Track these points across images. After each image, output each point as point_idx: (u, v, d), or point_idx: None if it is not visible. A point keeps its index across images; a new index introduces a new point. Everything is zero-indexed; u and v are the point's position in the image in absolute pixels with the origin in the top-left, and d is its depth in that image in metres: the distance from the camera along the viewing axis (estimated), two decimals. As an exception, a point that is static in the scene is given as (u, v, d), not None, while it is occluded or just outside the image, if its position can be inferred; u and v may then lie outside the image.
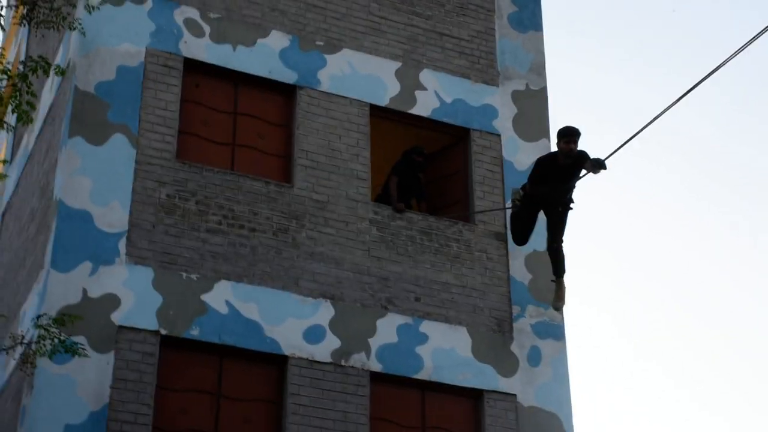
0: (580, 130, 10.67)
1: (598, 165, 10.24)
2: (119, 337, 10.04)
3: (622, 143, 9.97)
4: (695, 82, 8.92)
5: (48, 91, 12.38)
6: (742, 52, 8.40)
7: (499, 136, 12.57)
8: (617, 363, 30.09)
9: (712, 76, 8.76)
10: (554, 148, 10.96)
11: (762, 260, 29.97)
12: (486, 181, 12.35)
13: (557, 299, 11.38)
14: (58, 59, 12.00)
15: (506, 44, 13.08)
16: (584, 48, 30.91)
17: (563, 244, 10.96)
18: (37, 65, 10.15)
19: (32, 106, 10.28)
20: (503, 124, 12.65)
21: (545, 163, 10.78)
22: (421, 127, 12.53)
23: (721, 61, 8.67)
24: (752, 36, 8.23)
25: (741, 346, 30.00)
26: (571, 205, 10.95)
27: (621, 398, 29.61)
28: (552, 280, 11.41)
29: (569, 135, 10.57)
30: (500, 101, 12.73)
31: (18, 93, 10.03)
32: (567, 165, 10.65)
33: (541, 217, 11.18)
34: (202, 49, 11.58)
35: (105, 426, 9.63)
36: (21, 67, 10.16)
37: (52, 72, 10.79)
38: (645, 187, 30.72)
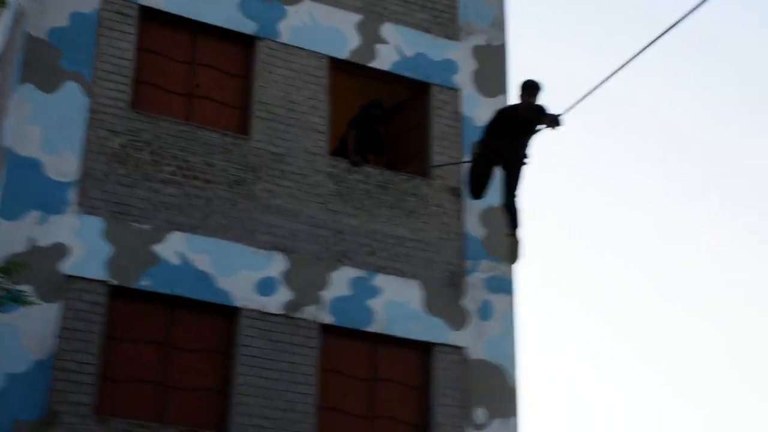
0: (543, 85, 10.48)
1: (555, 121, 10.10)
2: (67, 287, 9.95)
3: (579, 99, 9.84)
4: (649, 42, 8.78)
5: None
6: (697, 12, 8.23)
7: (458, 91, 12.41)
8: (565, 319, 30.24)
9: (673, 31, 8.60)
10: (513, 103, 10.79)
11: (714, 225, 30.01)
12: (444, 136, 12.22)
13: (512, 253, 11.27)
14: (8, 5, 11.74)
15: (468, -1, 12.85)
16: (546, 4, 30.54)
17: (516, 198, 10.80)
18: None
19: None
20: (463, 79, 12.47)
21: (505, 114, 10.58)
22: (380, 81, 12.35)
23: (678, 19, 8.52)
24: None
25: (686, 303, 30.16)
26: (526, 161, 10.80)
27: (568, 353, 29.81)
28: (506, 234, 11.30)
29: (531, 88, 10.37)
30: (461, 56, 12.54)
31: None
32: (526, 118, 10.46)
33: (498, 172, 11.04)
34: (159, -3, 11.33)
35: (50, 375, 9.57)
36: None
37: (2, 17, 10.55)
38: (601, 149, 30.57)
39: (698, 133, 30.02)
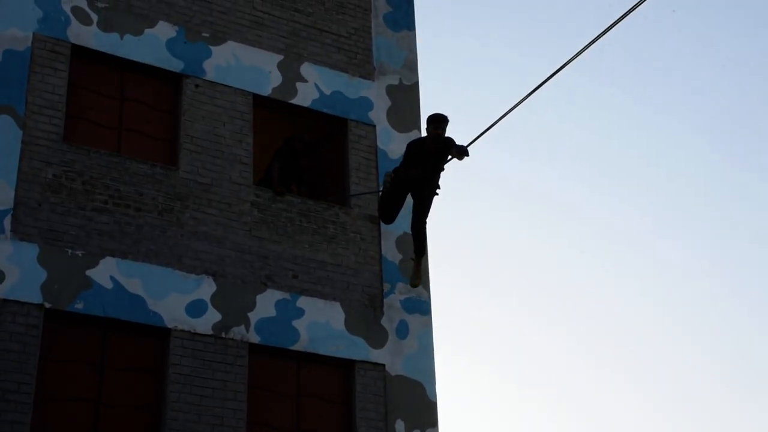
0: (448, 118, 10.83)
1: (462, 152, 10.46)
2: (2, 310, 9.80)
3: (482, 132, 10.27)
4: (550, 74, 9.24)
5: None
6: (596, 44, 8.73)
7: (374, 126, 12.72)
8: (480, 336, 30.74)
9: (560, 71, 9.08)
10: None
11: (627, 244, 30.97)
12: (361, 167, 12.48)
13: (415, 277, 11.47)
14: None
15: (382, 41, 13.23)
16: (455, 44, 31.43)
17: (425, 225, 11.11)
18: None
19: None
20: (378, 115, 12.80)
21: (415, 146, 10.91)
22: (301, 117, 12.58)
23: (571, 57, 8.99)
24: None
25: (594, 318, 30.94)
26: (437, 190, 11.12)
27: (483, 369, 30.29)
28: (411, 259, 11.55)
29: (437, 121, 10.71)
30: (375, 94, 12.87)
31: None
32: (435, 150, 10.77)
33: (409, 200, 11.34)
34: (90, 36, 11.38)
35: (-13, 394, 9.40)
36: None
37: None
38: (510, 172, 31.38)
39: (603, 156, 31.06)
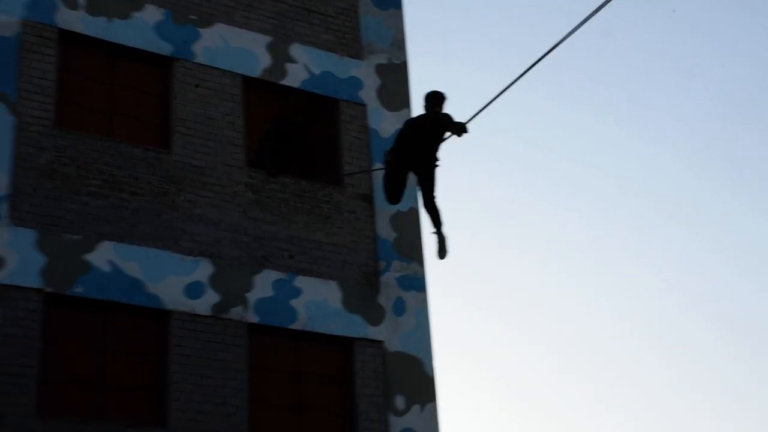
0: (446, 95, 10.67)
1: (461, 128, 10.27)
2: (3, 296, 9.61)
3: (482, 108, 10.10)
4: (547, 50, 9.13)
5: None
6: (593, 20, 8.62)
7: (364, 105, 12.57)
8: (477, 312, 30.77)
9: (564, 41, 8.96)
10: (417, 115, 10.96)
11: (618, 226, 31.07)
12: (353, 147, 12.34)
13: (440, 250, 11.15)
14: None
15: (369, 20, 13.07)
16: (444, 22, 31.35)
17: (436, 199, 10.86)
18: None
19: None
20: (368, 94, 12.65)
21: (413, 124, 10.71)
22: (292, 97, 12.42)
23: (570, 31, 8.88)
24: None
25: (594, 291, 31.06)
26: (437, 163, 10.86)
27: (479, 343, 30.35)
28: (432, 233, 11.26)
29: (435, 99, 10.51)
30: (365, 73, 12.73)
31: None
32: (433, 127, 10.58)
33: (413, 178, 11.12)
34: (78, 21, 11.14)
35: (-9, 379, 9.21)
36: None
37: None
38: (513, 150, 31.37)
39: (596, 136, 31.11)
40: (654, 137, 31.16)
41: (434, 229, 10.62)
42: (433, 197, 10.50)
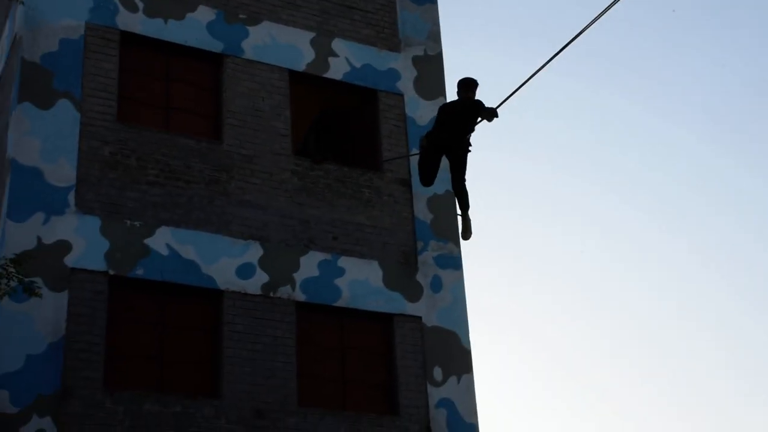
0: (478, 81, 10.99)
1: (491, 113, 10.60)
2: (72, 278, 10.31)
3: (510, 93, 10.47)
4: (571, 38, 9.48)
5: (-2, 63, 12.43)
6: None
7: (402, 95, 13.03)
8: (510, 287, 31.13)
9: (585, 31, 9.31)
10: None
11: (649, 210, 31.11)
12: (392, 134, 12.82)
13: (465, 231, 11.47)
14: (5, 33, 12.06)
15: (406, 15, 13.50)
16: (477, 15, 31.55)
17: (465, 182, 11.20)
18: None
19: None
20: (405, 85, 13.10)
21: (446, 109, 11.04)
22: (334, 89, 12.92)
23: (588, 23, 9.23)
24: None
25: (623, 271, 31.19)
26: (469, 148, 11.22)
27: (513, 317, 30.74)
28: (459, 215, 11.61)
29: (468, 85, 10.84)
30: (402, 65, 13.17)
31: None
32: (465, 112, 10.89)
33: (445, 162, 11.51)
34: (137, 23, 11.76)
35: (62, 355, 9.93)
36: None
37: (0, 45, 10.84)
38: (542, 133, 31.59)
39: (624, 119, 31.17)
40: (680, 118, 31.03)
41: (460, 212, 10.98)
42: (462, 180, 10.86)
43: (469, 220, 10.94)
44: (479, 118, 10.76)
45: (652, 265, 30.17)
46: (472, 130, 10.98)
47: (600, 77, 31.23)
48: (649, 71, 30.55)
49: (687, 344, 30.14)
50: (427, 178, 11.28)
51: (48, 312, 10.00)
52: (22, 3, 10.83)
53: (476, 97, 10.80)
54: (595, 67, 30.65)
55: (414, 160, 12.56)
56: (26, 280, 9.39)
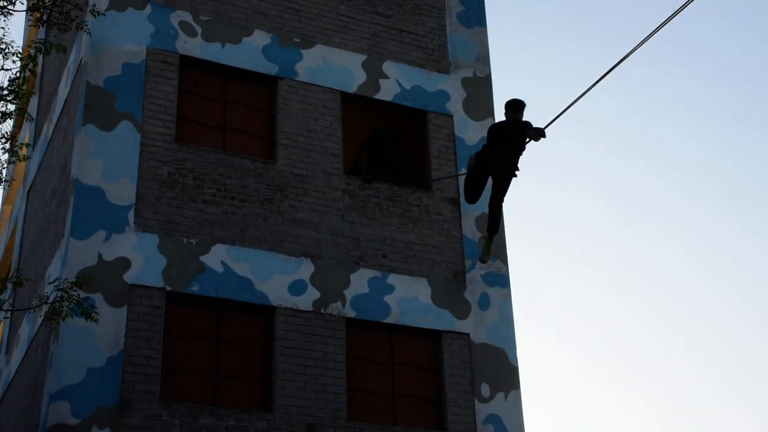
0: (525, 103, 10.79)
1: (538, 133, 10.38)
2: (131, 294, 10.30)
3: (558, 115, 10.25)
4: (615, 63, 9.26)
5: (63, 87, 12.54)
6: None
7: (451, 116, 12.87)
8: (558, 306, 30.72)
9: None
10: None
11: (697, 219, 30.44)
12: (441, 154, 12.66)
13: (485, 254, 11.10)
14: (71, 59, 12.16)
15: (456, 38, 13.35)
16: (524, 37, 31.33)
17: (502, 205, 11.00)
18: (42, 46, 9.94)
19: (33, 72, 10.08)
20: (455, 106, 12.94)
21: (496, 129, 10.85)
22: (385, 110, 12.80)
23: (633, 47, 8.98)
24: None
25: (683, 295, 30.58)
26: (516, 171, 11.01)
27: (561, 335, 30.29)
28: (483, 237, 11.36)
29: (515, 106, 10.62)
30: (452, 87, 13.01)
31: (29, 71, 9.96)
32: (514, 132, 10.68)
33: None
34: (195, 47, 11.78)
35: (121, 368, 9.90)
36: (31, 51, 10.02)
37: (66, 70, 10.93)
38: (587, 153, 31.20)
39: (668, 144, 30.63)
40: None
41: (487, 234, 10.69)
42: (500, 202, 10.62)
43: (492, 243, 10.67)
44: (527, 139, 10.54)
45: (706, 245, 29.41)
46: (522, 150, 10.77)
47: (647, 107, 30.66)
48: (701, 101, 29.93)
49: (754, 328, 29.28)
50: (473, 196, 11.07)
51: (108, 327, 9.99)
52: (89, 33, 10.88)
53: (524, 119, 10.58)
54: (643, 86, 30.12)
55: (463, 180, 12.37)
56: (85, 303, 9.32)
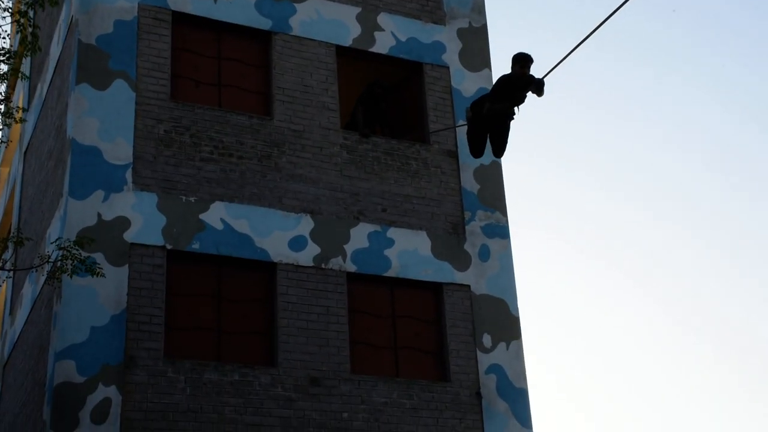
0: (533, 58, 10.72)
1: (540, 86, 10.31)
2: (131, 253, 10.36)
3: (556, 64, 10.19)
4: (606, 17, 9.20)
5: (55, 45, 12.46)
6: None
7: (447, 68, 12.82)
8: (557, 255, 30.85)
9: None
10: (495, 76, 11.09)
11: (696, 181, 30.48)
12: (438, 107, 12.63)
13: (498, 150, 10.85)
14: (62, 17, 12.06)
15: (451, -13, 13.23)
16: None
17: (504, 151, 10.81)
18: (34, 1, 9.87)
19: (36, 37, 10.19)
20: (451, 57, 12.88)
21: (502, 82, 10.76)
22: (380, 63, 12.75)
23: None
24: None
25: (661, 247, 30.70)
26: (513, 116, 10.84)
27: (559, 284, 30.48)
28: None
29: (523, 60, 10.57)
30: (447, 38, 12.94)
31: (22, 28, 9.95)
32: (518, 87, 10.61)
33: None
34: (187, 2, 11.68)
35: (125, 327, 10.00)
36: (22, 6, 9.96)
37: (58, 28, 10.85)
38: (586, 102, 31.12)
39: (665, 91, 30.53)
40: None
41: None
42: (501, 152, 10.50)
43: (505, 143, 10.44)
44: (529, 92, 10.47)
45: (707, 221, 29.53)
46: (521, 101, 10.69)
47: (644, 54, 30.50)
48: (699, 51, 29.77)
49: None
50: (477, 149, 10.98)
51: (110, 286, 10.06)
52: None
53: (530, 73, 10.50)
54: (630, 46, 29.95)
55: (460, 132, 12.37)
56: (88, 260, 9.44)
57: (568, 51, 10.00)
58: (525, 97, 10.63)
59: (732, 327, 30.45)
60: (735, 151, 31.68)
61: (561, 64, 10.03)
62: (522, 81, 10.47)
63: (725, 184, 31.63)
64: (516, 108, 10.52)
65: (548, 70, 10.41)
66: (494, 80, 11.28)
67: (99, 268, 9.53)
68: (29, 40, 10.01)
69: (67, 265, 9.25)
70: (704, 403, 29.74)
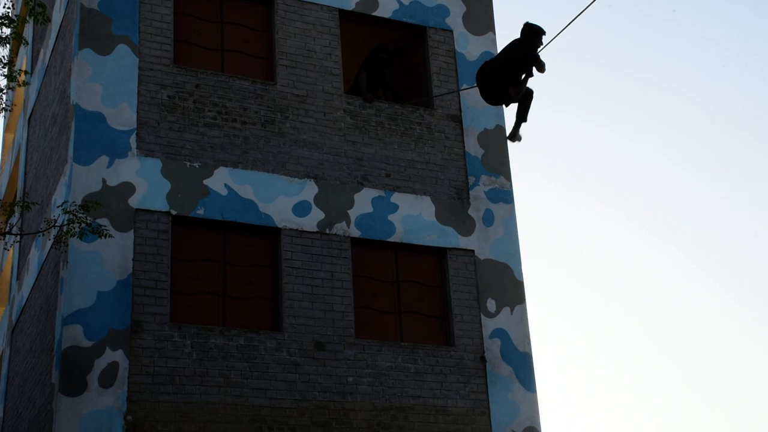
0: (545, 30, 10.66)
1: (540, 67, 10.25)
2: (137, 218, 10.47)
3: (557, 34, 10.20)
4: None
5: (58, 11, 12.48)
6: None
7: (451, 31, 12.82)
8: (561, 219, 30.93)
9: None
10: (499, 40, 11.03)
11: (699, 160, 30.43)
12: (442, 71, 12.65)
13: (514, 134, 10.71)
14: (64, -19, 12.07)
15: (455, -50, 13.18)
16: None
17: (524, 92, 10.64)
18: None
19: (43, 7, 10.24)
20: (455, 21, 12.87)
21: (514, 46, 10.63)
22: (383, 27, 12.75)
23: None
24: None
25: (660, 225, 30.72)
26: (533, 72, 10.64)
27: (564, 248, 30.58)
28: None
29: (534, 33, 10.50)
30: (451, 1, 12.92)
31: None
32: (524, 57, 10.53)
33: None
34: (189, -34, 11.67)
35: (131, 291, 10.13)
36: None
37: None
38: (584, 74, 30.99)
39: (671, 54, 30.36)
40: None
41: (516, 120, 10.38)
42: (521, 90, 10.22)
43: (519, 126, 10.41)
44: (529, 69, 10.37)
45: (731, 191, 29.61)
46: (528, 76, 10.53)
47: (648, 21, 30.31)
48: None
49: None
50: (491, 96, 10.53)
51: (115, 251, 10.18)
52: None
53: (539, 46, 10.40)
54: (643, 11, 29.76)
55: (465, 96, 12.40)
56: (94, 223, 9.58)
57: (577, 13, 9.99)
58: (523, 69, 10.57)
59: (743, 272, 30.56)
60: (739, 94, 31.55)
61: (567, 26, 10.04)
62: (531, 52, 10.37)
63: (730, 126, 31.55)
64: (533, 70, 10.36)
65: (558, 32, 10.39)
66: (498, 44, 11.25)
67: (106, 230, 9.66)
68: (37, 11, 10.05)
69: (74, 228, 9.38)
70: (715, 366, 29.94)
